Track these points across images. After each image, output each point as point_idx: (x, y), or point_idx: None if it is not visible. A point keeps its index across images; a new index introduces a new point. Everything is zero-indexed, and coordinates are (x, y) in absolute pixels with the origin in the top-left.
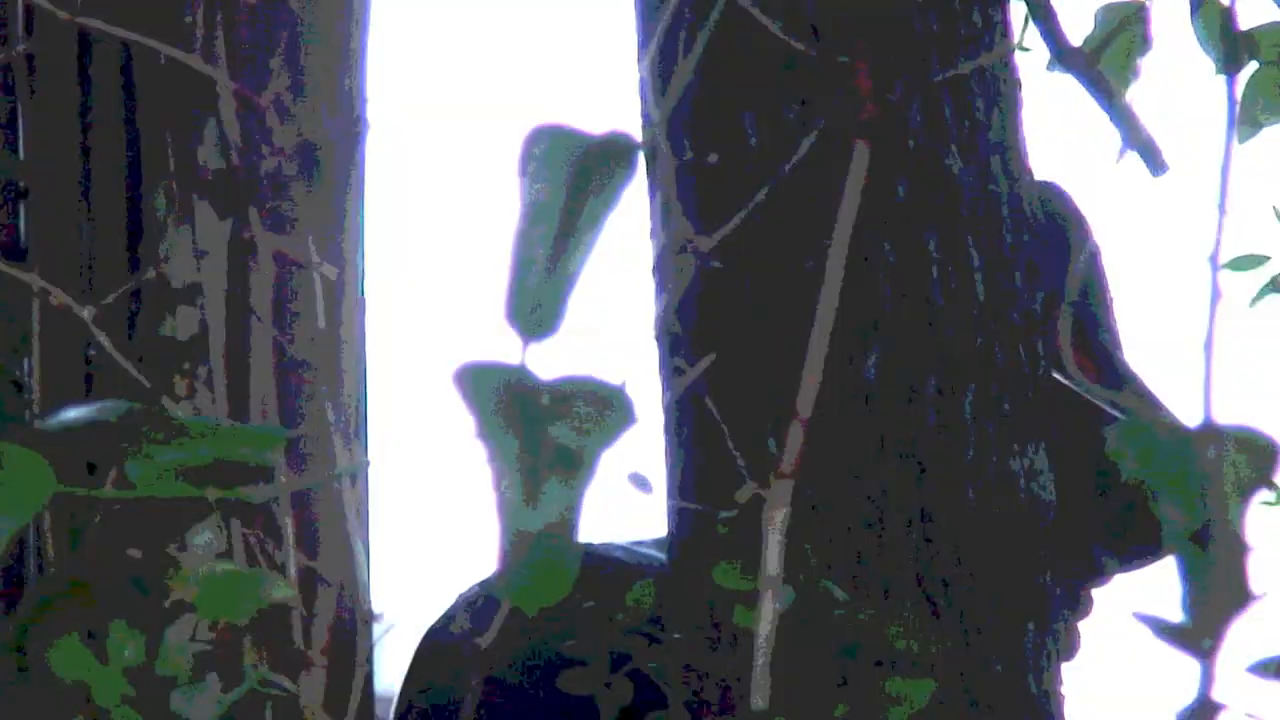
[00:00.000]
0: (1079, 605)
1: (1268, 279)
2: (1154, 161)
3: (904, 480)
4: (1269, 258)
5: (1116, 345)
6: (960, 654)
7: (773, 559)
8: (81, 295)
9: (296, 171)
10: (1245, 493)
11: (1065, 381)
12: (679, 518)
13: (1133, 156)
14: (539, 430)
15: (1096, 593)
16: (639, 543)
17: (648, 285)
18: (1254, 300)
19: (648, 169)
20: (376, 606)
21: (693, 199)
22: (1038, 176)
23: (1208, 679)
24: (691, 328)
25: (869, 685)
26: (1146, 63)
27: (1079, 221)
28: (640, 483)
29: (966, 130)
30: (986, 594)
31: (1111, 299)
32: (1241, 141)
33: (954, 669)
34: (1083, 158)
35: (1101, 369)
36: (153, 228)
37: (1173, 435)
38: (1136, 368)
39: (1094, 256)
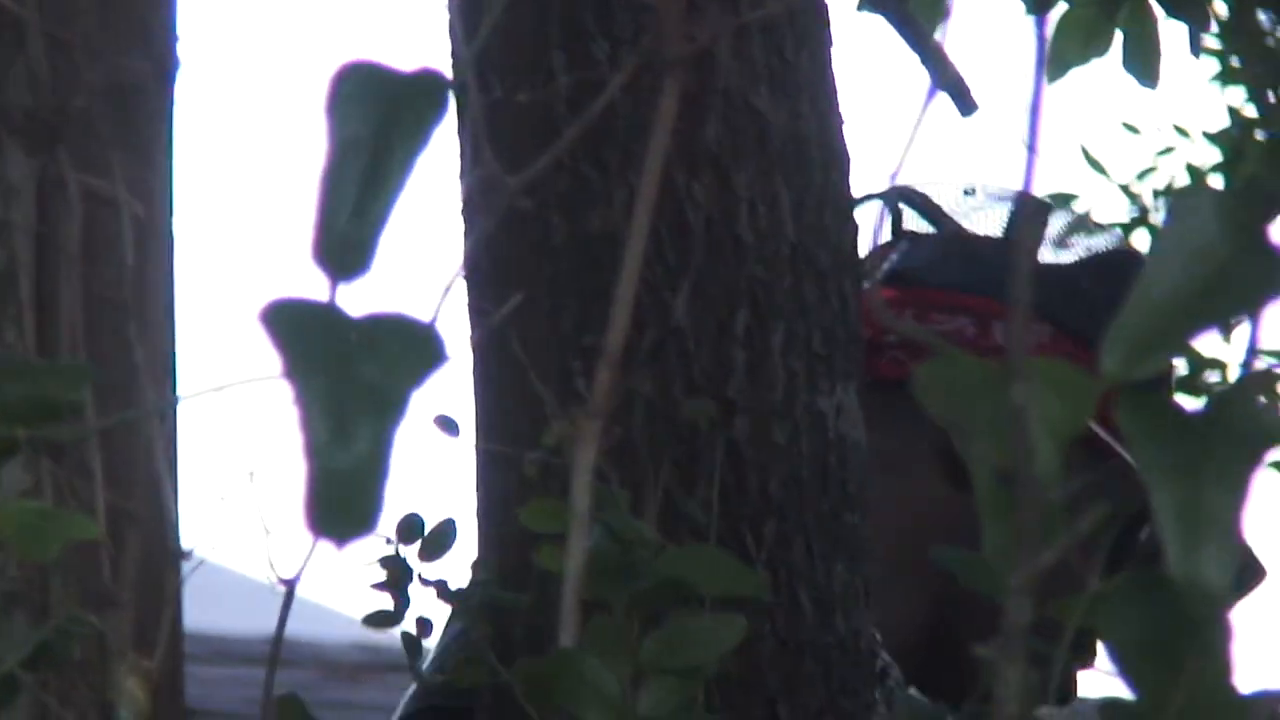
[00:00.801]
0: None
1: (1075, 217)
2: (964, 102)
3: (713, 419)
4: (1077, 196)
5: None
6: (770, 593)
7: (581, 498)
8: None
9: (106, 110)
10: (1056, 433)
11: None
12: (486, 459)
13: (943, 97)
14: (348, 369)
15: None
16: None
17: (457, 224)
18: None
19: (457, 108)
20: (185, 544)
21: (502, 138)
22: (850, 116)
23: (1016, 616)
24: (500, 267)
25: (679, 625)
26: (957, 3)
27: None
28: (447, 425)
29: (776, 70)
30: (796, 532)
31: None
32: (1050, 82)
33: (763, 608)
34: (893, 98)
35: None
36: None
37: (982, 374)
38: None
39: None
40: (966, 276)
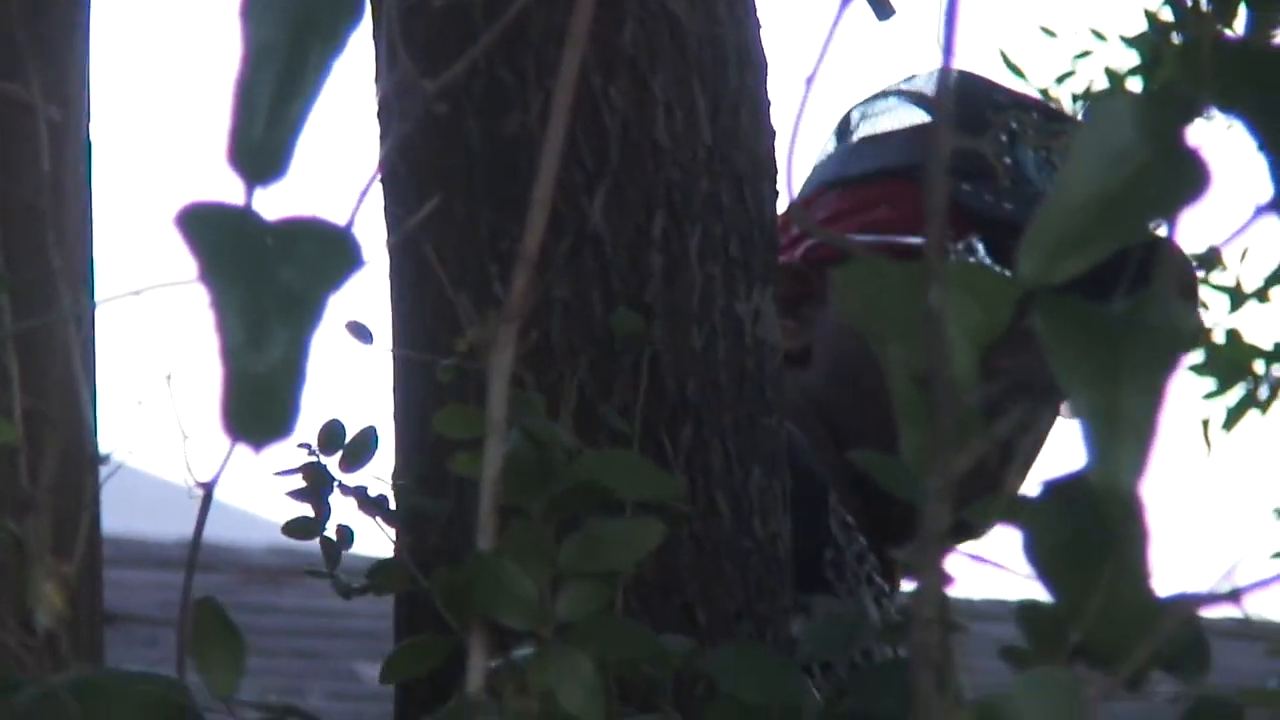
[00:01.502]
0: None
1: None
2: (881, 6)
3: (631, 323)
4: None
5: None
6: (687, 497)
7: (497, 403)
8: None
9: (22, 16)
10: (973, 337)
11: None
12: (402, 366)
13: (860, 1)
14: (263, 273)
15: None
16: None
17: (373, 129)
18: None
19: (373, 12)
20: (103, 448)
21: (418, 42)
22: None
23: (933, 519)
24: (416, 172)
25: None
26: None
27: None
28: (359, 332)
29: None
30: (713, 436)
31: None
32: None
33: (680, 513)
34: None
35: None
36: None
37: (899, 276)
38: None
39: None
40: (876, 163)
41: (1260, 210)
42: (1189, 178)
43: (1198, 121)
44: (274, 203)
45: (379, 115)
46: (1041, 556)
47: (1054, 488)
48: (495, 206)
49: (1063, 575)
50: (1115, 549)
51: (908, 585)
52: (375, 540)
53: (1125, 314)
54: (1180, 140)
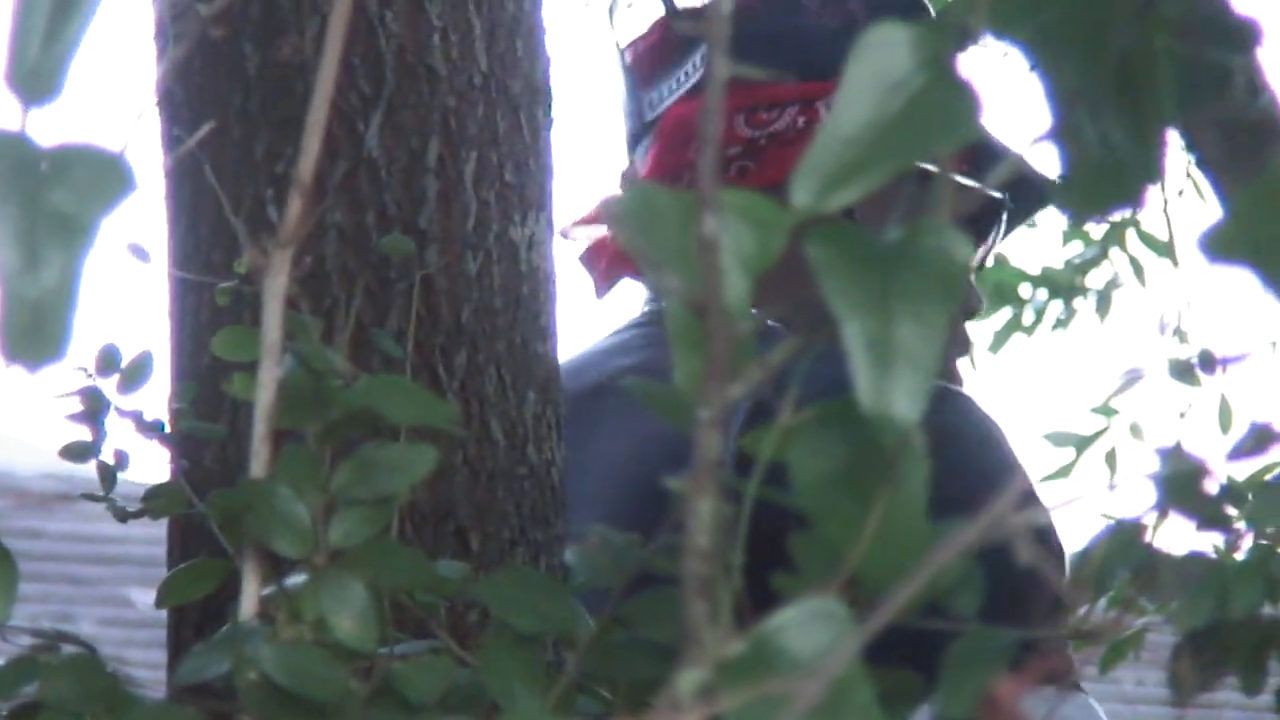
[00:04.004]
0: None
1: None
2: None
3: (404, 248)
4: None
5: None
6: (461, 423)
7: (272, 327)
8: None
9: None
10: (747, 265)
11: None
12: (178, 288)
13: None
14: (37, 197)
15: None
16: None
17: (150, 51)
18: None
19: None
20: None
21: None
22: None
23: (704, 448)
24: (193, 95)
25: (370, 455)
26: None
27: None
28: (138, 252)
29: None
30: (488, 362)
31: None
32: None
33: (455, 439)
34: None
35: None
36: None
37: (674, 205)
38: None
39: None
40: (780, 63)
41: (1038, 139)
42: (963, 106)
43: (973, 49)
44: (49, 125)
45: (155, 38)
46: (812, 486)
47: (826, 416)
48: (271, 131)
49: (835, 504)
50: (888, 478)
51: None
52: (152, 464)
53: (898, 242)
54: (954, 69)
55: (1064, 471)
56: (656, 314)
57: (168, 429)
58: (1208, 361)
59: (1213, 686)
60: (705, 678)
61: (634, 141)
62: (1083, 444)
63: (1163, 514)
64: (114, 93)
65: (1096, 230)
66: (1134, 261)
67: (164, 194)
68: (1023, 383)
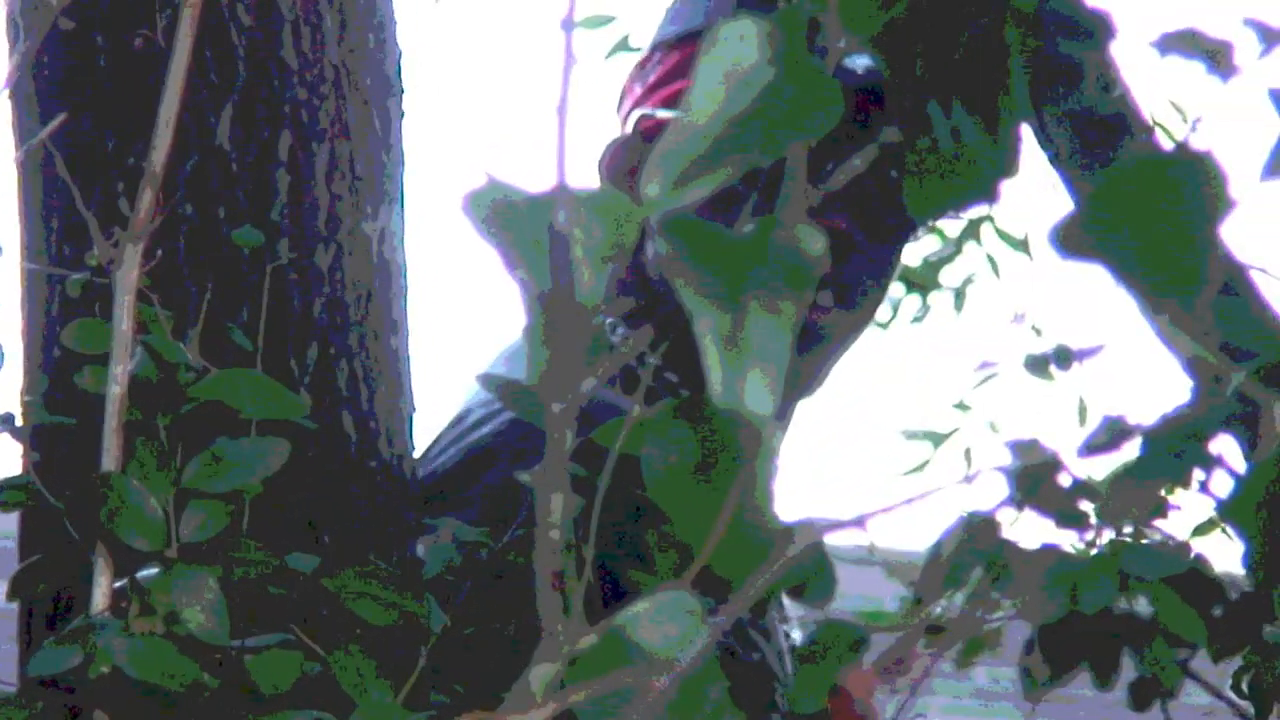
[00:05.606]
0: None
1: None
2: None
3: (255, 241)
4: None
5: None
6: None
7: (123, 320)
8: None
9: None
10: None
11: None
12: (30, 280)
13: None
14: None
15: None
16: None
17: (1, 42)
18: (609, 54)
19: None
20: None
21: None
22: None
23: (554, 442)
24: (44, 86)
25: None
26: None
27: None
28: None
29: None
30: (339, 356)
31: None
32: None
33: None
34: None
35: None
36: None
37: (525, 199)
38: None
39: None
40: (683, 25)
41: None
42: (817, 98)
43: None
44: None
45: (8, 29)
46: (661, 480)
47: (678, 412)
48: (123, 122)
49: (684, 499)
50: (739, 473)
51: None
52: (2, 457)
53: (750, 238)
54: (807, 59)
55: (920, 467)
56: None
57: (19, 422)
58: (1063, 357)
59: (1064, 681)
60: (557, 671)
61: (658, 42)
62: (939, 440)
63: (1017, 508)
64: None
65: (952, 227)
66: (990, 257)
67: (15, 186)
68: (879, 379)
